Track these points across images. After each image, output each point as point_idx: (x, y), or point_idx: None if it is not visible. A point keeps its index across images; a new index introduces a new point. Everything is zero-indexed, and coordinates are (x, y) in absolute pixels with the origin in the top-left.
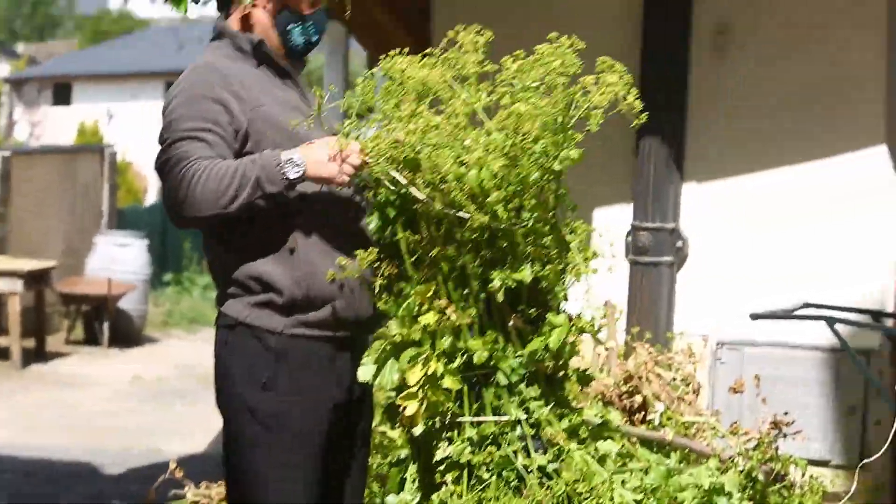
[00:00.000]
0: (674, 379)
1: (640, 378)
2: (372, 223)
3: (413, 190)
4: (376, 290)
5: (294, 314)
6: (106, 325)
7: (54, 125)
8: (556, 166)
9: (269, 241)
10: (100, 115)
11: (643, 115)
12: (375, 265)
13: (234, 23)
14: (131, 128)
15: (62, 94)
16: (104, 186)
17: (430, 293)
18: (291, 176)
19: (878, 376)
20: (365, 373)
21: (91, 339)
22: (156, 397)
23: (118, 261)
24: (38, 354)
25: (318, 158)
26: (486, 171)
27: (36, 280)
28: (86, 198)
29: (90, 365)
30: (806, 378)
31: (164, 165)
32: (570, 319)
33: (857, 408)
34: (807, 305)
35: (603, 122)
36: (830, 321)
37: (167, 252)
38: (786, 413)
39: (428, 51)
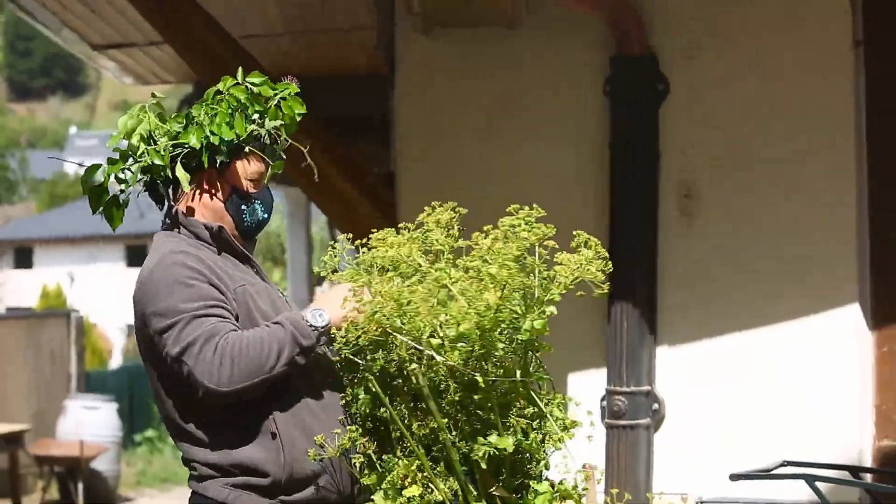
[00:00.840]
0: None
1: None
2: (360, 396)
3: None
4: (357, 466)
5: (277, 495)
6: (80, 486)
7: (17, 288)
8: (522, 336)
9: (248, 426)
10: (61, 278)
11: (606, 284)
12: (356, 441)
13: (183, 210)
14: (93, 290)
15: (24, 258)
16: (72, 350)
17: (414, 466)
18: (319, 324)
19: None
20: None
21: (66, 500)
22: None
23: (89, 423)
24: None
25: (334, 304)
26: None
27: (9, 442)
28: (53, 362)
29: None
30: None
31: (190, 347)
32: (553, 486)
33: None
34: (786, 464)
35: (574, 288)
36: (810, 479)
37: (135, 412)
38: None
39: (401, 226)
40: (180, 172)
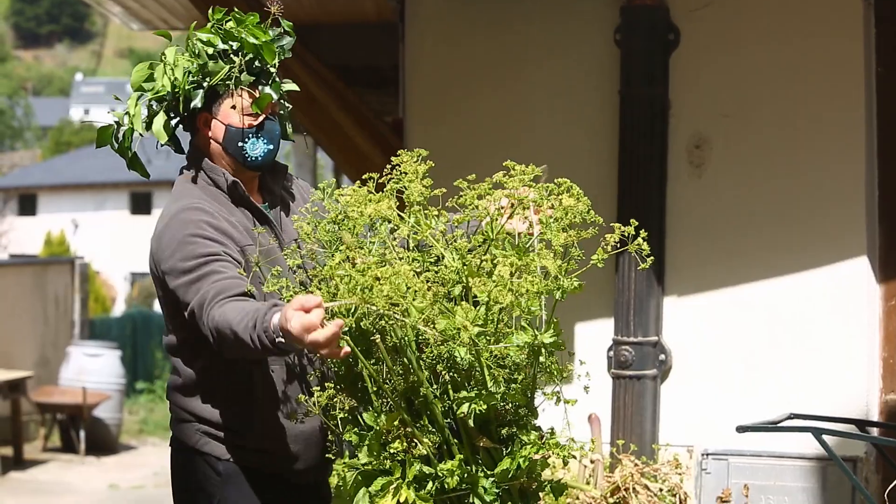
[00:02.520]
0: (661, 490)
1: (626, 490)
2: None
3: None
4: (338, 422)
5: (242, 450)
6: (82, 434)
7: (21, 235)
8: (558, 297)
9: (231, 383)
10: (65, 225)
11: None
12: (334, 400)
13: (202, 146)
14: (97, 237)
15: (27, 205)
16: (75, 298)
17: (396, 421)
18: (278, 341)
19: (865, 484)
20: None
21: (68, 447)
22: None
23: (91, 370)
24: (16, 462)
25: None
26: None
27: (11, 389)
28: (57, 309)
29: (68, 472)
30: (793, 487)
31: (192, 313)
32: (542, 437)
33: None
34: (792, 416)
35: (582, 239)
36: (817, 432)
37: (138, 361)
38: None
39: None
40: (157, 123)
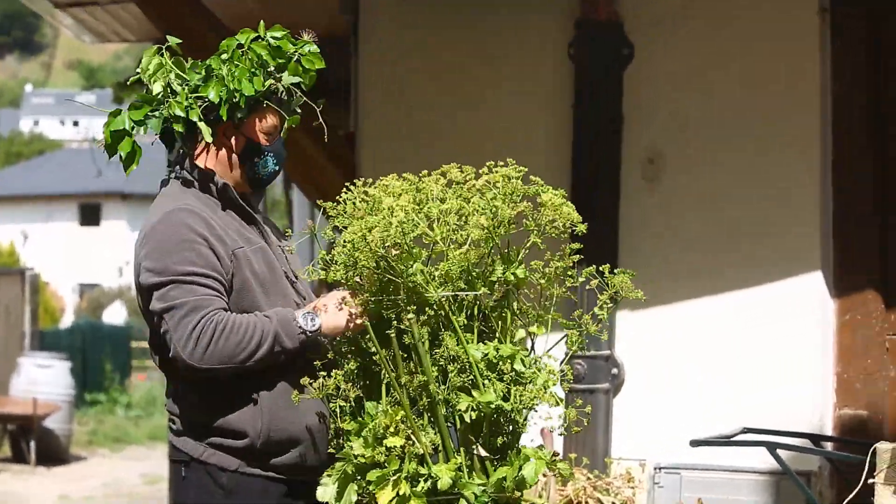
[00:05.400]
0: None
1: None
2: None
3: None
4: (337, 412)
5: (249, 456)
6: (32, 444)
7: None
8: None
9: (231, 389)
10: (15, 236)
11: (583, 224)
12: (339, 391)
13: (198, 159)
14: (46, 249)
15: None
16: (25, 309)
17: (399, 417)
18: (308, 328)
19: (819, 498)
20: (325, 494)
21: (18, 458)
22: None
23: (41, 381)
24: None
25: (331, 312)
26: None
27: None
28: (7, 319)
29: (18, 483)
30: (747, 501)
31: (174, 310)
32: (554, 453)
33: None
34: (746, 430)
35: (539, 249)
36: (771, 446)
37: (88, 372)
38: None
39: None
40: (203, 126)
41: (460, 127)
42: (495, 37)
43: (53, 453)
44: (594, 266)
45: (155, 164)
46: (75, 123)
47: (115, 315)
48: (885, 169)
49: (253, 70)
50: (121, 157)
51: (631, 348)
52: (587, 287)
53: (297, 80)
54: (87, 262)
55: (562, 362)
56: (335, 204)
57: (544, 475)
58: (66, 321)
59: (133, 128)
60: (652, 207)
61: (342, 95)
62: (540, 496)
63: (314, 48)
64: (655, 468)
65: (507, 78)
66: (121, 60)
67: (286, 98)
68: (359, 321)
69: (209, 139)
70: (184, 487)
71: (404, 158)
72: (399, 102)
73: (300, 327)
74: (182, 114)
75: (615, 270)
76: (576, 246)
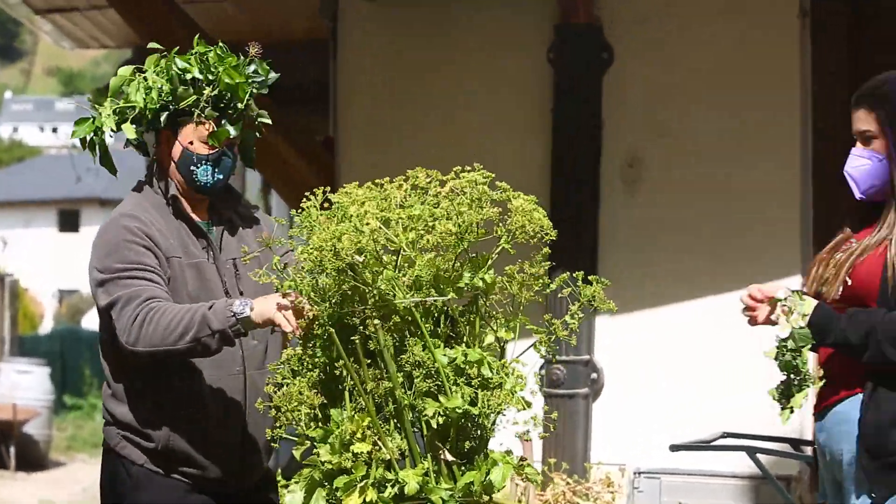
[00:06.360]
0: None
1: None
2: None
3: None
4: (302, 419)
5: (154, 456)
6: (12, 450)
7: None
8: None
9: (148, 391)
10: None
11: (554, 231)
12: (300, 396)
13: (160, 160)
14: (26, 254)
15: None
16: (5, 315)
17: (364, 423)
18: (238, 311)
19: (799, 502)
20: (293, 501)
21: None
22: None
23: (21, 387)
24: None
25: (266, 303)
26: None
27: None
28: None
29: None
30: None
31: (112, 305)
32: (521, 458)
33: None
34: (726, 435)
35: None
36: (751, 451)
37: (67, 378)
38: None
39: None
40: (126, 127)
41: (439, 131)
42: (475, 41)
43: (33, 459)
44: (567, 273)
45: (132, 171)
46: (54, 130)
47: (95, 321)
48: None
49: (150, 85)
50: (102, 161)
51: (610, 353)
52: (559, 295)
53: (213, 92)
54: (66, 267)
55: (541, 368)
56: (298, 211)
57: (523, 480)
58: (46, 327)
59: (96, 131)
60: (631, 210)
61: (322, 100)
62: (519, 501)
63: (233, 63)
64: (635, 473)
65: (486, 82)
66: (99, 67)
67: (223, 107)
68: (298, 321)
69: (130, 135)
70: (103, 473)
71: (383, 162)
72: (378, 106)
73: (231, 311)
74: (107, 119)
75: (590, 277)
76: (546, 252)
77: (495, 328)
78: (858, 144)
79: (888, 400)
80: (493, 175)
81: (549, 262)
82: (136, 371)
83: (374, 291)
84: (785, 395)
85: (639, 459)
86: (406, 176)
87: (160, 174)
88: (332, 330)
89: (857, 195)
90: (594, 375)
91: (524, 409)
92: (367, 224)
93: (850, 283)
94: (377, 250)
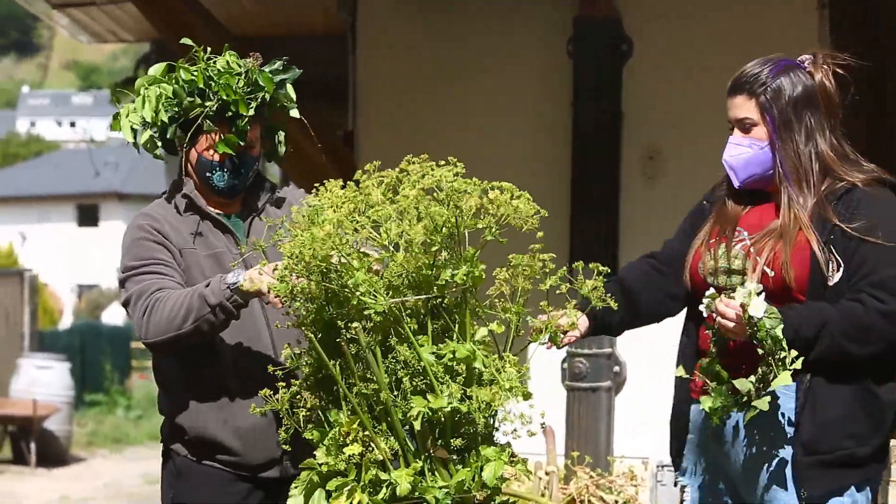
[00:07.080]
0: (616, 502)
1: (581, 502)
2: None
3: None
4: (300, 422)
5: (191, 448)
6: (32, 446)
7: None
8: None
9: (178, 387)
10: (13, 237)
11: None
12: (297, 397)
13: (184, 164)
14: (45, 249)
15: None
16: (25, 310)
17: (355, 424)
18: (231, 281)
19: None
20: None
21: (18, 459)
22: None
23: (41, 382)
24: None
25: (255, 272)
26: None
27: None
28: (7, 321)
29: (19, 484)
30: None
31: (127, 303)
32: (512, 454)
33: None
34: None
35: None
36: None
37: (87, 373)
38: None
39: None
40: (144, 134)
41: (459, 124)
42: (494, 34)
43: (53, 454)
44: (565, 267)
45: (152, 165)
46: (72, 124)
47: (114, 315)
48: (888, 162)
49: (147, 98)
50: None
51: (633, 346)
52: (556, 292)
53: (214, 104)
54: (85, 262)
55: (563, 361)
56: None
57: (547, 474)
58: (66, 322)
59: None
60: (652, 203)
61: (341, 94)
62: (542, 495)
63: (237, 71)
64: (658, 466)
65: (505, 75)
66: (117, 61)
67: (231, 117)
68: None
69: (130, 138)
70: (162, 467)
71: (403, 156)
72: (398, 101)
73: (226, 283)
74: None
75: (593, 266)
76: (539, 246)
77: (493, 322)
78: (736, 132)
79: (828, 394)
80: (464, 169)
81: (546, 255)
82: (167, 364)
83: (350, 294)
84: (763, 380)
85: (662, 452)
86: (380, 175)
87: (184, 173)
88: (311, 335)
89: (736, 184)
90: (617, 368)
91: (525, 399)
92: (323, 230)
93: (771, 274)
94: (347, 256)
